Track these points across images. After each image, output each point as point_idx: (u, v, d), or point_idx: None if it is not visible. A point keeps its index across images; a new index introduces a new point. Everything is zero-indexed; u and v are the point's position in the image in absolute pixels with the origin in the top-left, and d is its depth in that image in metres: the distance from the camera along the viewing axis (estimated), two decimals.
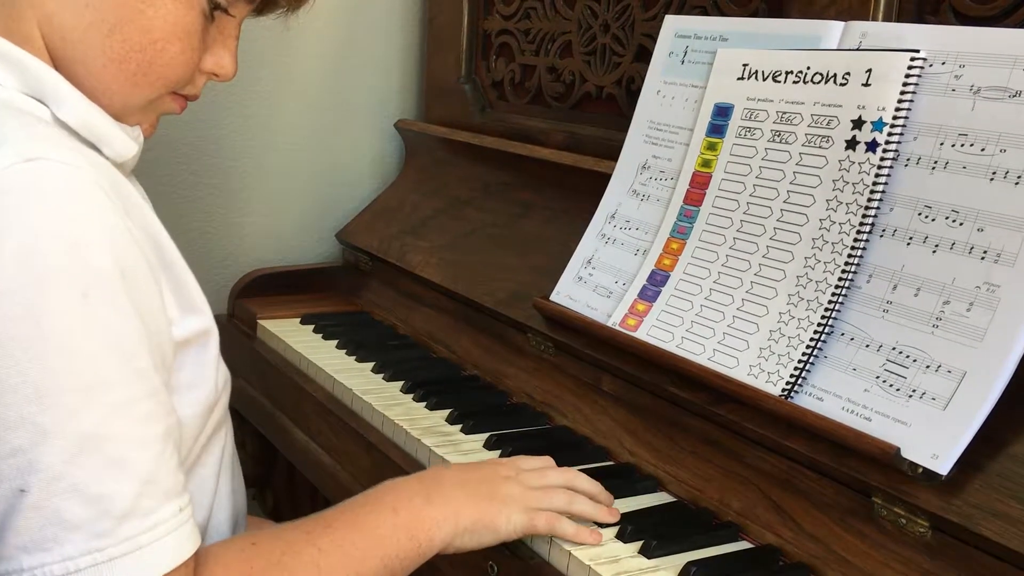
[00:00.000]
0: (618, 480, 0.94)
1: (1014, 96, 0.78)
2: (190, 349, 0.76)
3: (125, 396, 0.65)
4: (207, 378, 0.78)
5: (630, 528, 0.85)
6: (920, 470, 0.75)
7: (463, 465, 0.89)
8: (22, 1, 0.73)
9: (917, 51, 0.84)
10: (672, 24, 1.09)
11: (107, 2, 0.73)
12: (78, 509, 0.63)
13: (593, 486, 0.88)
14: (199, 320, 0.77)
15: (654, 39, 1.11)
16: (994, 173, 0.78)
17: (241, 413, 1.41)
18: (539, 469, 0.88)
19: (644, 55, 1.18)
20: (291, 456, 1.29)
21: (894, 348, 0.81)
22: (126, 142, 0.77)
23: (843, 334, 0.85)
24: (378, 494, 0.81)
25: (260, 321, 1.42)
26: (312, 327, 1.39)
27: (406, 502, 0.79)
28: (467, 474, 0.85)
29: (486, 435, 1.03)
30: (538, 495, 0.84)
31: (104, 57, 0.74)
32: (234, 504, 0.86)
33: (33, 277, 0.62)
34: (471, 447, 1.02)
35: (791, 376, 0.87)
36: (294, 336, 1.36)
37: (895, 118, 0.85)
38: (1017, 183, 0.76)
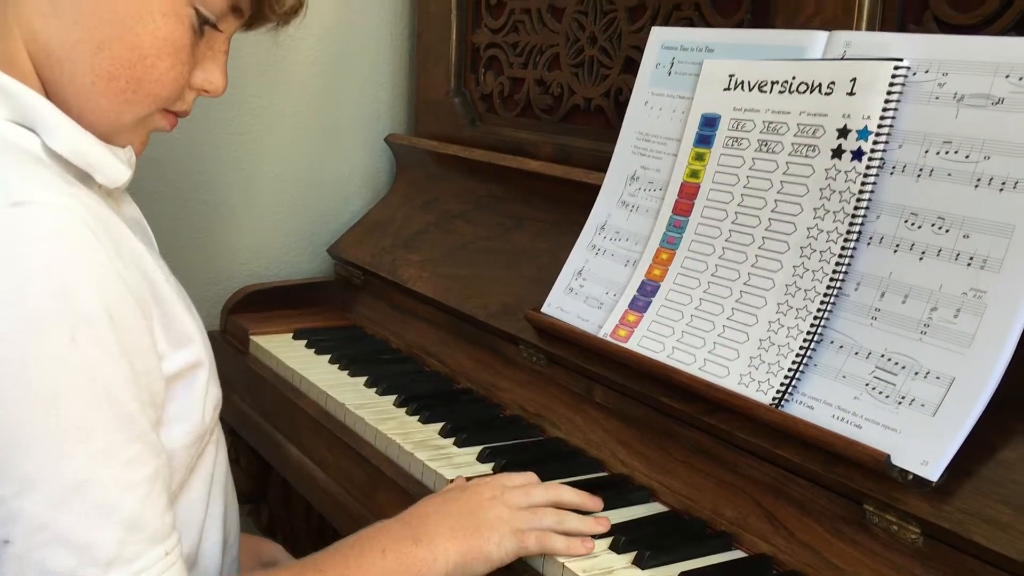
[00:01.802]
0: (611, 491, 0.94)
1: (997, 103, 0.78)
2: (180, 382, 0.76)
3: (111, 441, 0.64)
4: (195, 409, 0.77)
5: (624, 539, 0.85)
6: (911, 477, 0.75)
7: (446, 494, 0.88)
8: (8, 20, 0.72)
9: (901, 60, 0.85)
10: (658, 36, 1.10)
11: (95, 19, 0.72)
12: (63, 558, 0.62)
13: (579, 497, 0.88)
14: (189, 352, 0.77)
15: (641, 51, 1.12)
16: (978, 180, 0.78)
17: (235, 429, 1.41)
18: (523, 487, 0.88)
19: (631, 67, 1.19)
20: (285, 472, 1.29)
21: (883, 355, 0.81)
22: (118, 167, 0.77)
23: (832, 342, 0.86)
24: (367, 536, 0.80)
25: (252, 337, 1.42)
26: (305, 342, 1.39)
27: (394, 545, 0.79)
28: (450, 505, 0.84)
29: (479, 448, 1.03)
30: (526, 515, 0.84)
31: (93, 74, 0.73)
32: (226, 525, 0.86)
33: (18, 322, 0.62)
34: (464, 460, 1.02)
35: (781, 385, 0.87)
36: (287, 351, 1.36)
37: (880, 126, 0.85)
38: (1001, 190, 0.77)
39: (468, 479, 0.93)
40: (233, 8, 0.78)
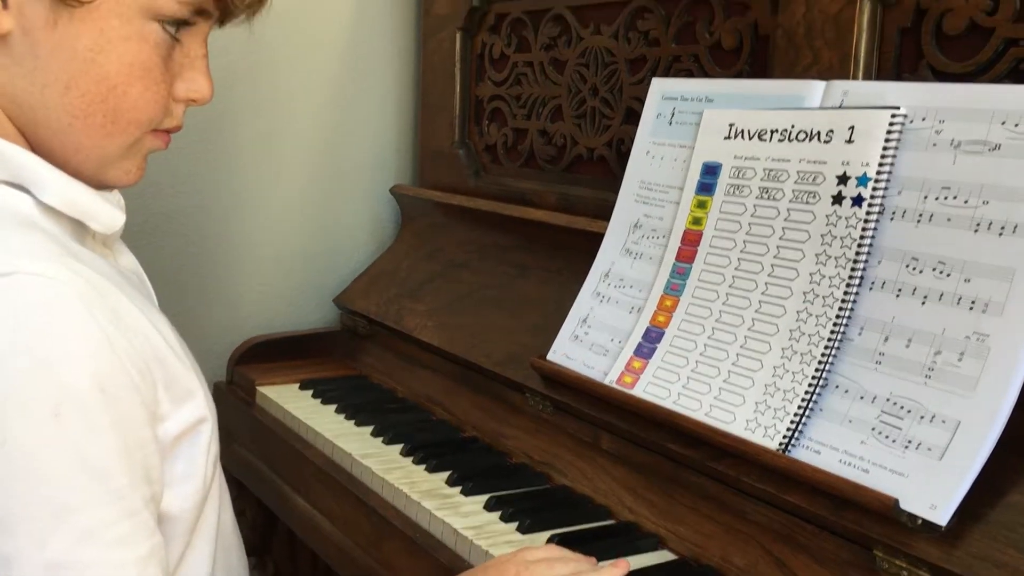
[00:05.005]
0: (619, 539, 0.94)
1: (994, 150, 0.80)
2: (185, 440, 0.74)
3: (98, 519, 0.62)
4: (199, 465, 0.76)
5: None
6: (919, 521, 0.75)
7: (470, 572, 0.86)
8: None
9: (898, 108, 0.86)
10: (659, 87, 1.12)
11: (55, 60, 0.69)
12: None
13: (602, 572, 0.85)
14: (193, 408, 0.75)
15: (642, 102, 1.14)
16: (978, 225, 0.79)
17: (240, 480, 1.40)
18: (546, 560, 0.84)
19: (633, 117, 1.21)
20: (291, 523, 1.28)
21: (888, 399, 0.82)
22: (112, 213, 0.76)
23: (837, 386, 0.86)
24: None
25: (259, 387, 1.43)
26: (311, 392, 1.39)
27: None
28: None
29: (486, 496, 1.03)
30: None
31: (68, 116, 0.71)
32: None
33: (2, 397, 0.60)
34: (471, 509, 1.02)
35: (788, 430, 0.87)
36: (293, 402, 1.36)
37: (879, 173, 0.86)
38: (1000, 234, 0.78)
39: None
40: (198, 11, 0.74)
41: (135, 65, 0.71)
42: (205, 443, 0.76)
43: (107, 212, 0.75)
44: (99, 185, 0.77)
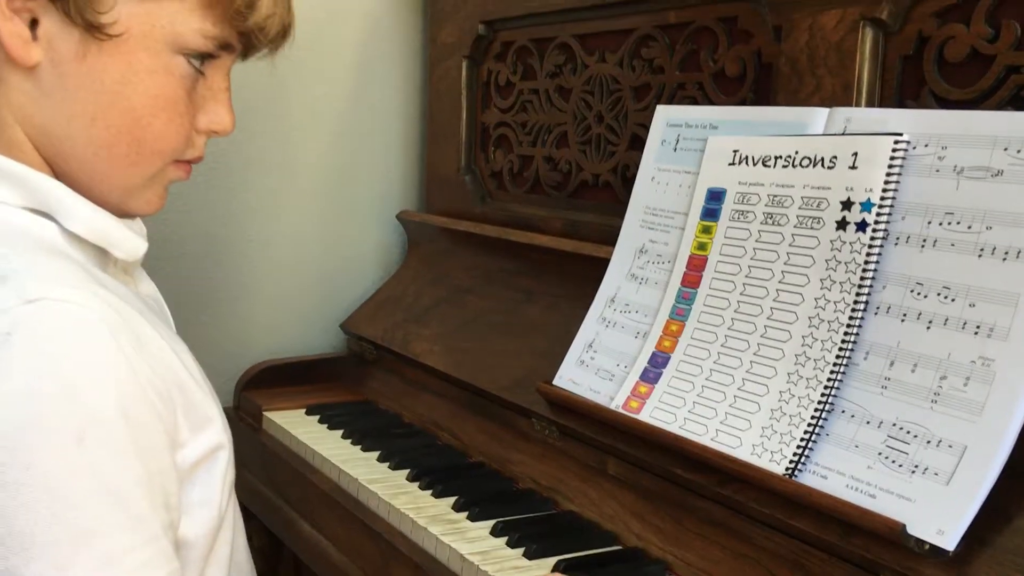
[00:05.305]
0: (627, 564, 0.93)
1: (996, 175, 0.80)
2: (201, 467, 0.75)
3: (119, 545, 0.63)
4: (215, 492, 0.76)
5: None
6: (927, 546, 0.75)
7: None
8: (0, 108, 0.72)
9: (900, 134, 0.87)
10: (664, 114, 1.13)
11: (83, 92, 0.71)
12: None
13: None
14: (211, 435, 0.75)
15: (646, 128, 1.15)
16: (982, 250, 0.80)
17: (246, 506, 1.40)
18: None
19: (638, 143, 1.22)
20: (297, 549, 1.28)
21: (895, 424, 0.82)
22: (135, 241, 0.77)
23: (844, 411, 0.86)
24: None
25: (265, 413, 1.43)
26: (317, 417, 1.39)
27: None
28: None
29: (493, 522, 1.03)
30: None
31: (93, 146, 0.72)
32: None
33: (27, 422, 0.60)
34: (478, 534, 1.02)
35: (794, 455, 0.87)
36: (299, 427, 1.36)
37: (882, 199, 0.87)
38: (1004, 259, 0.78)
39: None
40: (222, 45, 0.76)
41: (160, 97, 0.73)
42: (222, 470, 0.77)
43: (130, 240, 0.77)
44: (122, 214, 0.78)
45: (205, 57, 0.75)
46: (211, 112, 0.78)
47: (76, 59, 0.71)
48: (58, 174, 0.74)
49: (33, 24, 0.70)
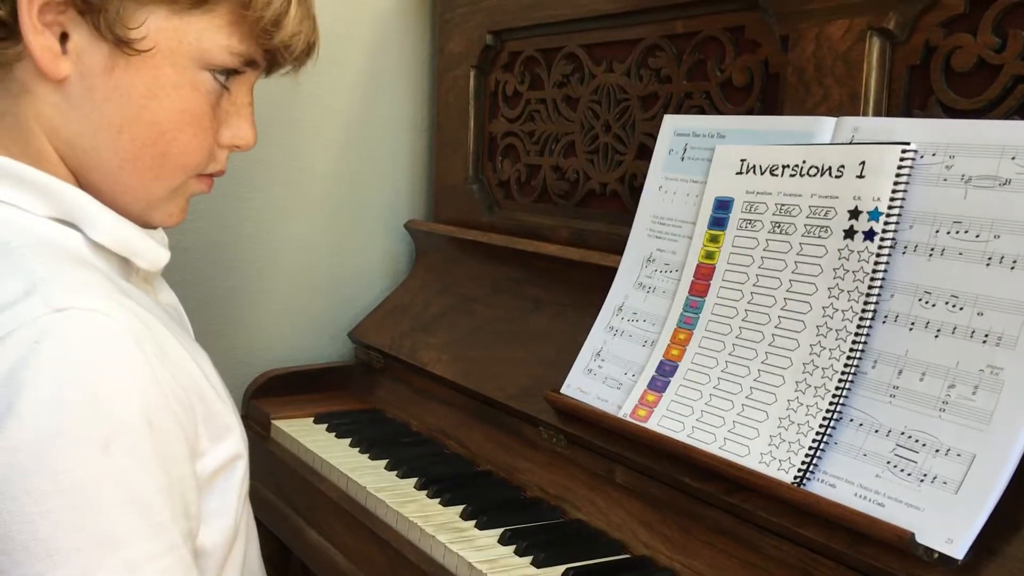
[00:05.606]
0: (634, 573, 0.93)
1: (1004, 184, 0.80)
2: (220, 476, 0.75)
3: (142, 552, 0.63)
4: (232, 500, 0.77)
5: None
6: (936, 555, 0.75)
7: None
8: (27, 118, 0.73)
9: (908, 143, 0.87)
10: (671, 123, 1.13)
11: (110, 105, 0.72)
12: None
13: None
14: (230, 444, 0.76)
15: (654, 138, 1.15)
16: (990, 259, 0.80)
17: (255, 514, 1.40)
18: None
19: (645, 153, 1.22)
20: (305, 557, 1.28)
21: (903, 433, 0.82)
22: (158, 251, 0.78)
23: (852, 420, 0.86)
24: None
25: (274, 421, 1.43)
26: (325, 426, 1.40)
27: None
28: None
29: (501, 530, 1.03)
30: None
31: (118, 158, 0.73)
32: None
33: (53, 429, 0.61)
34: (486, 543, 1.02)
35: (802, 463, 0.87)
36: (308, 435, 1.36)
37: (890, 208, 0.87)
38: (1013, 268, 0.78)
39: None
40: (248, 62, 0.77)
41: (186, 112, 0.74)
42: (239, 479, 0.77)
43: (154, 250, 0.78)
44: (144, 225, 0.79)
45: (230, 73, 0.76)
46: (234, 127, 0.79)
47: (104, 72, 0.72)
48: (83, 185, 0.75)
49: (63, 38, 0.72)
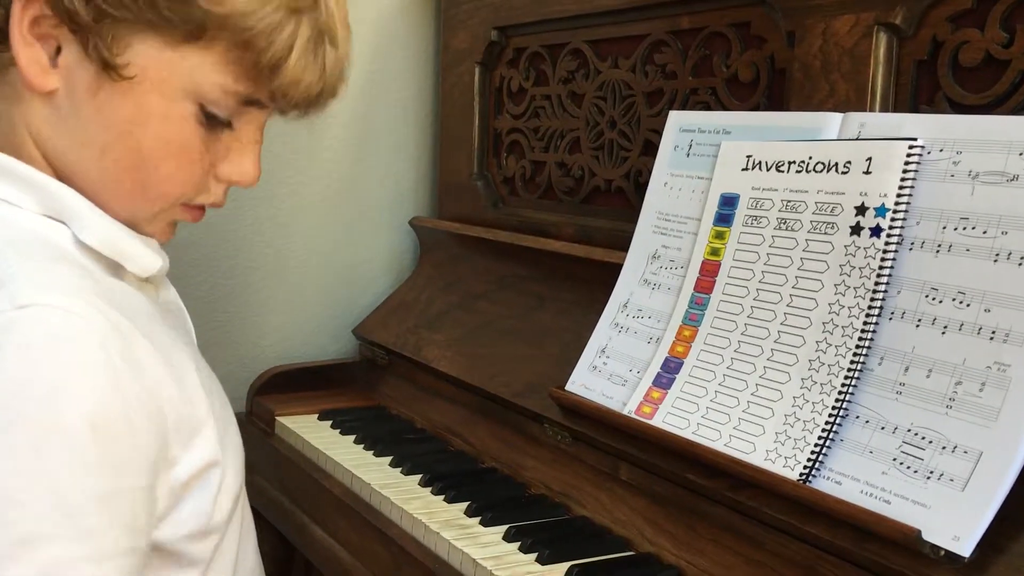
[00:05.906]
0: (639, 570, 0.93)
1: (1012, 180, 0.80)
2: (194, 485, 0.74)
3: (64, 555, 0.62)
4: (207, 503, 0.75)
5: None
6: (942, 552, 0.75)
7: None
8: (16, 120, 0.73)
9: (915, 139, 0.87)
10: (676, 119, 1.13)
11: (95, 124, 0.72)
12: None
13: None
14: (203, 450, 0.74)
15: (659, 134, 1.15)
16: (997, 255, 0.80)
17: (259, 511, 1.41)
18: None
19: (650, 149, 1.22)
20: (309, 554, 1.28)
21: (909, 430, 0.81)
22: (149, 257, 0.77)
23: (858, 417, 0.86)
24: None
25: (278, 418, 1.43)
26: (330, 423, 1.40)
27: None
28: None
29: (505, 527, 1.03)
30: None
31: (101, 176, 0.73)
32: None
33: None
34: (490, 539, 1.02)
35: (808, 460, 0.87)
36: (312, 432, 1.36)
37: (897, 204, 0.87)
38: (1020, 264, 0.78)
39: None
40: (248, 101, 0.76)
41: (172, 143, 0.73)
42: (216, 486, 0.75)
43: (145, 256, 0.77)
44: (135, 231, 0.78)
45: (223, 117, 0.75)
46: (235, 163, 0.78)
47: (89, 92, 0.71)
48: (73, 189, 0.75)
49: (58, 50, 0.71)
